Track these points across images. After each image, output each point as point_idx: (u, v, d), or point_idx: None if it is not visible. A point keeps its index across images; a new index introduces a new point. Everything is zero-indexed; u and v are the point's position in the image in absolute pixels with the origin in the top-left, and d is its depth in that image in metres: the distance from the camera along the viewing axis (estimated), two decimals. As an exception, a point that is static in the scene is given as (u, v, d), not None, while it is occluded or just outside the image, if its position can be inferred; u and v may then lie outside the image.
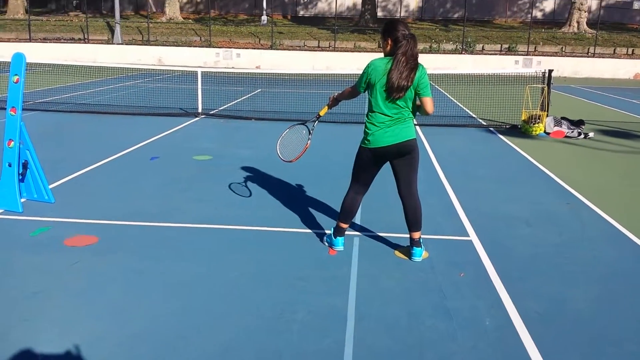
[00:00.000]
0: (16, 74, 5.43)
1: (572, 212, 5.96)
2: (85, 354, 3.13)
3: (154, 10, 36.95)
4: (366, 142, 4.34)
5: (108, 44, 29.66)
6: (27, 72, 5.60)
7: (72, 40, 30.48)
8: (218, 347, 3.24)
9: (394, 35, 4.17)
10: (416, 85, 4.18)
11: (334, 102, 4.82)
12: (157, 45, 29.48)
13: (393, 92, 4.14)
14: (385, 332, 3.46)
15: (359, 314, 3.68)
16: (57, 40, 30.19)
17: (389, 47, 4.23)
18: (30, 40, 29.47)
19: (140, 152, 8.32)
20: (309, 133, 4.97)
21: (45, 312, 3.60)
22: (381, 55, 4.35)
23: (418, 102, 4.31)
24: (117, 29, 29.62)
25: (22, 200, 5.56)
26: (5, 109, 5.54)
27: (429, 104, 4.28)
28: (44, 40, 29.92)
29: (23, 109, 5.53)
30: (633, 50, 30.26)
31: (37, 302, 3.72)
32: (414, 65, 4.13)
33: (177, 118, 11.53)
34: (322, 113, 4.89)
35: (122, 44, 29.45)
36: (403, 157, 4.34)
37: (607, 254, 4.84)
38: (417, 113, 4.40)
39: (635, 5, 36.12)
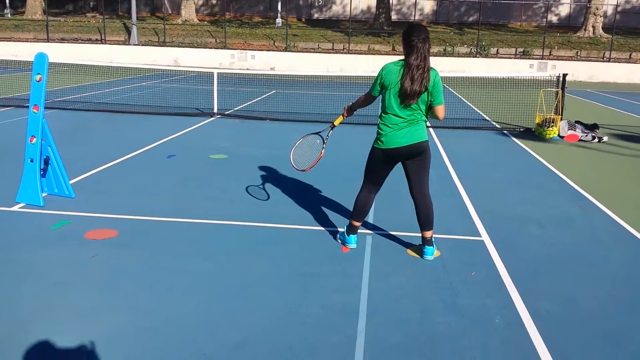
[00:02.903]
0: (39, 73, 5.57)
1: (584, 214, 5.99)
2: (104, 345, 3.23)
3: (170, 12, 37.27)
4: (379, 142, 4.42)
5: (125, 44, 29.97)
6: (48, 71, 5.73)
7: (90, 40, 30.84)
8: (234, 341, 3.33)
9: (407, 40, 4.24)
10: (431, 89, 4.24)
11: (349, 111, 4.82)
12: (173, 46, 29.75)
13: (406, 98, 4.22)
14: (396, 328, 3.53)
15: (371, 309, 3.75)
16: (75, 40, 30.56)
17: (405, 51, 4.31)
18: (48, 40, 29.87)
19: (157, 150, 8.45)
20: (323, 142, 5.03)
21: (66, 303, 3.71)
22: (395, 58, 4.41)
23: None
24: (134, 30, 29.93)
25: (44, 194, 5.69)
26: (28, 106, 5.68)
27: (440, 111, 4.37)
28: (62, 40, 30.30)
29: (44, 107, 5.66)
30: (649, 55, 30.04)
31: (59, 293, 3.83)
32: (425, 69, 4.17)
33: (193, 118, 11.67)
34: (336, 123, 4.90)
35: (138, 45, 29.75)
36: (415, 158, 4.41)
37: (618, 256, 4.87)
38: (428, 116, 4.47)
39: (652, 10, 35.82)
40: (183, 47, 29.68)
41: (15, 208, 5.49)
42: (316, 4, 39.36)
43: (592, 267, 4.61)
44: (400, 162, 4.50)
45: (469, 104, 15.67)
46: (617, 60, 29.17)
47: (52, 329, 3.37)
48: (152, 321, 3.51)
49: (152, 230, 5.09)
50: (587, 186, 7.07)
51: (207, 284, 4.06)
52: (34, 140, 5.55)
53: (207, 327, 3.47)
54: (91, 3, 40.63)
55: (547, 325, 3.62)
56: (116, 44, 29.89)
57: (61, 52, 26.58)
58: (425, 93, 4.24)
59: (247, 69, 25.70)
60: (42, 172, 5.66)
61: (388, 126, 4.34)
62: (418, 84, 4.16)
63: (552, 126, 10.58)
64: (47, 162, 5.67)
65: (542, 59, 28.75)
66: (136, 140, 9.00)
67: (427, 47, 4.19)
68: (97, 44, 30.03)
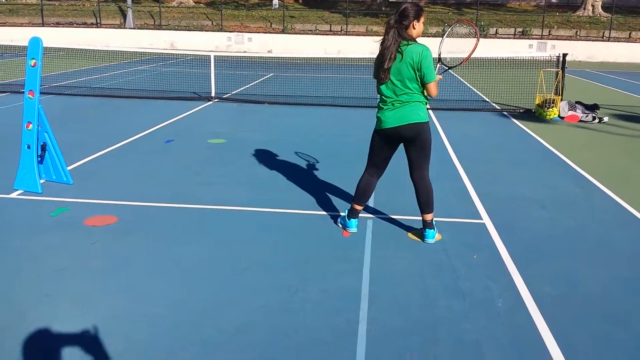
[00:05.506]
0: (33, 58, 5.50)
1: (585, 195, 5.96)
2: (104, 331, 3.22)
3: (166, -6, 36.86)
4: (377, 123, 4.44)
5: (120, 28, 29.72)
6: (43, 56, 5.66)
7: (85, 24, 30.56)
8: (234, 325, 3.31)
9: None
10: (416, 66, 4.17)
11: None
12: (169, 29, 29.51)
13: (379, 73, 4.27)
14: (398, 312, 3.52)
15: (373, 293, 3.73)
16: (70, 24, 30.28)
17: None
18: (43, 24, 29.59)
19: (155, 135, 8.39)
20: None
21: (66, 289, 3.69)
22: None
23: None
24: (129, 14, 29.66)
25: (41, 181, 5.66)
26: (23, 92, 5.62)
27: (431, 89, 4.28)
28: (57, 24, 30.03)
29: (40, 93, 5.60)
30: (649, 34, 29.86)
31: (58, 279, 3.81)
32: (387, 47, 4.19)
33: (191, 102, 11.59)
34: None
35: (134, 28, 29.51)
36: (412, 140, 4.36)
37: (619, 237, 4.85)
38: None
39: (652, -12, 35.51)
40: (179, 30, 29.45)
41: (13, 195, 5.46)
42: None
43: (593, 248, 4.60)
44: (402, 145, 4.46)
45: (468, 85, 15.59)
46: (617, 40, 28.99)
47: (51, 317, 3.35)
48: (153, 307, 3.49)
49: (152, 216, 5.06)
50: (587, 167, 7.04)
51: (207, 269, 4.04)
52: (30, 126, 5.49)
53: (208, 312, 3.46)
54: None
55: (550, 307, 3.61)
56: (112, 28, 29.64)
57: (56, 37, 26.35)
58: (411, 71, 4.18)
59: (244, 52, 25.53)
60: (39, 159, 5.62)
61: (381, 107, 4.38)
62: (384, 62, 4.21)
63: (552, 107, 10.53)
64: (44, 148, 5.62)
65: (541, 38, 28.55)
66: (134, 125, 8.94)
67: (393, 23, 4.21)
68: (92, 27, 29.77)
